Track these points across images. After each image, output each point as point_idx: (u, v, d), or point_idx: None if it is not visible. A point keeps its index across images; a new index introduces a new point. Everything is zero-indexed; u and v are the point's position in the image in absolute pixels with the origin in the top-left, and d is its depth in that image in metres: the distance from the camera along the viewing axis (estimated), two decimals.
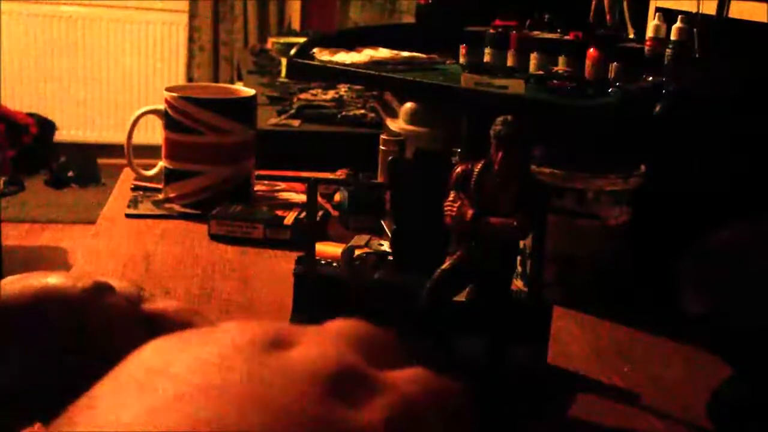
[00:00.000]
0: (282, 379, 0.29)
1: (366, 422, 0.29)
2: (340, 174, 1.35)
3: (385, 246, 0.90)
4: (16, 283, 0.43)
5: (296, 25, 4.63)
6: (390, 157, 1.00)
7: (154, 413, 0.28)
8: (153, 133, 1.41)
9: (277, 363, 0.30)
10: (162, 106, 1.28)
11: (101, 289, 0.44)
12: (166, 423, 0.27)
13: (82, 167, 4.58)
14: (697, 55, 1.13)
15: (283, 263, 1.06)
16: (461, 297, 0.75)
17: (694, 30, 1.13)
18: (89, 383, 0.31)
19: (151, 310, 0.46)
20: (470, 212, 0.71)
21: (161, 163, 1.30)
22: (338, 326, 0.33)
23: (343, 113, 2.27)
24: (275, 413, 0.28)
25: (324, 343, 0.31)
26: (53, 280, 0.43)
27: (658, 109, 1.00)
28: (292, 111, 2.30)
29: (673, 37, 1.14)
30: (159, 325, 0.45)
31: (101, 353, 0.43)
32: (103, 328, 0.43)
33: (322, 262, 0.88)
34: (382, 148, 1.26)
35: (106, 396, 0.29)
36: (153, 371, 0.30)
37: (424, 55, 1.37)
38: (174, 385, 0.29)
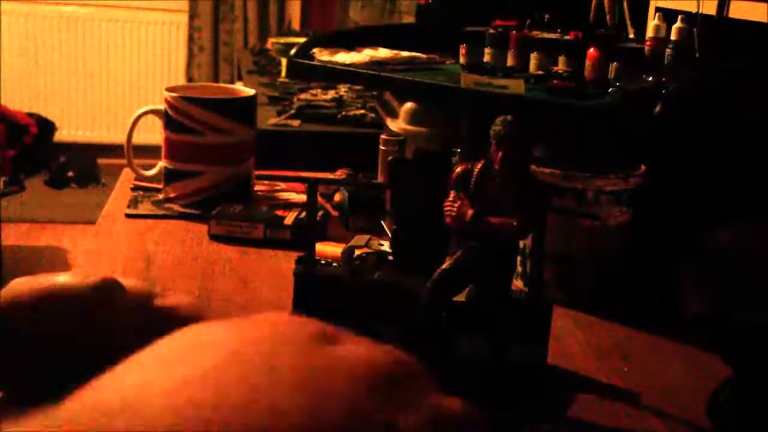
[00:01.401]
0: (330, 367, 0.29)
1: (408, 425, 0.29)
2: (340, 174, 1.35)
3: (385, 246, 0.90)
4: (23, 284, 0.43)
5: (296, 25, 4.63)
6: (390, 157, 1.00)
7: (184, 385, 0.26)
8: (153, 133, 1.41)
9: (325, 353, 0.29)
10: (162, 106, 1.28)
11: (110, 287, 0.44)
12: (218, 383, 0.26)
13: (82, 167, 4.58)
14: (697, 55, 1.13)
15: (283, 263, 1.06)
16: (461, 297, 0.75)
17: (694, 30, 1.13)
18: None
19: (161, 307, 0.46)
20: (470, 212, 0.71)
21: (161, 163, 1.30)
22: (375, 343, 0.33)
23: (343, 113, 2.27)
24: (323, 394, 0.27)
25: (369, 345, 0.31)
26: (61, 279, 0.43)
27: (658, 109, 1.00)
28: (292, 111, 2.30)
29: (673, 37, 1.14)
30: (170, 322, 0.45)
31: (110, 352, 0.43)
32: (111, 326, 0.43)
33: (322, 262, 0.88)
34: (382, 148, 1.26)
35: (127, 372, 0.28)
36: (187, 349, 0.29)
37: (424, 55, 1.37)
38: (211, 360, 0.28)
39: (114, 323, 0.43)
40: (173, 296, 0.46)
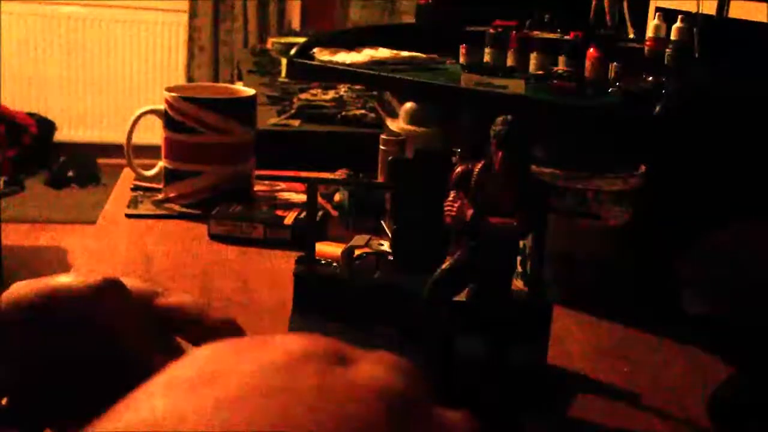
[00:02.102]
0: (349, 391, 0.29)
1: None
2: (340, 174, 1.35)
3: (385, 246, 0.90)
4: (25, 287, 0.43)
5: (296, 25, 4.63)
6: (390, 157, 1.00)
7: (216, 410, 0.27)
8: (153, 133, 1.41)
9: (343, 375, 0.30)
10: (162, 106, 1.28)
11: (110, 286, 0.44)
12: (231, 420, 0.27)
13: (82, 167, 4.58)
14: (697, 55, 1.13)
15: (283, 263, 1.06)
16: (461, 297, 0.75)
17: (694, 30, 1.13)
18: (100, 382, 0.31)
19: (163, 305, 0.46)
20: (470, 212, 0.71)
21: (161, 163, 1.30)
22: (387, 355, 0.33)
23: (343, 113, 2.27)
24: (342, 421, 0.28)
25: (383, 366, 0.32)
26: (62, 279, 0.43)
27: (658, 109, 1.00)
28: (292, 111, 2.30)
29: (673, 37, 1.14)
30: (172, 321, 0.46)
31: (111, 350, 0.43)
32: (112, 326, 0.43)
33: (322, 262, 0.88)
34: (382, 148, 1.26)
35: (155, 395, 0.28)
36: (210, 373, 0.29)
37: (424, 55, 1.37)
38: (237, 384, 0.28)
39: (115, 322, 0.43)
40: (175, 295, 0.46)
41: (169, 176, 1.29)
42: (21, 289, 0.43)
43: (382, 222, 1.15)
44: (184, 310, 0.46)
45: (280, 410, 0.27)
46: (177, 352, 0.48)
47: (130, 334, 0.43)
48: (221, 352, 0.31)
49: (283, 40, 3.45)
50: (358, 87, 2.42)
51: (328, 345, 0.32)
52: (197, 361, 0.30)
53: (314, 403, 0.28)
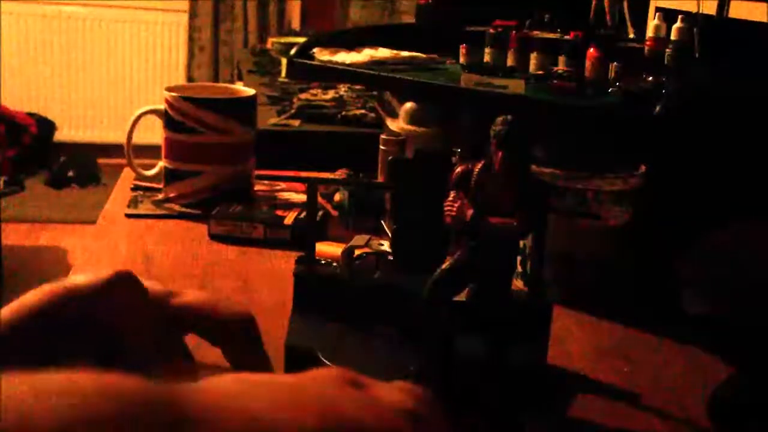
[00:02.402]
0: (360, 399, 0.34)
1: None
2: (340, 174, 1.35)
3: (385, 246, 0.90)
4: (36, 293, 0.43)
5: (296, 25, 4.63)
6: (390, 157, 1.00)
7: (239, 383, 0.33)
8: (153, 133, 1.41)
9: (354, 391, 0.34)
10: (162, 106, 1.28)
11: (121, 280, 0.44)
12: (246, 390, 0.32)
13: (82, 167, 4.58)
14: (697, 55, 1.13)
15: (283, 263, 1.06)
16: (461, 297, 0.74)
17: (694, 30, 1.13)
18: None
19: (177, 305, 0.46)
20: (470, 212, 0.71)
21: (161, 163, 1.30)
22: (401, 383, 0.38)
23: (343, 113, 2.27)
24: (353, 424, 0.32)
25: (395, 390, 0.36)
26: (75, 279, 0.44)
27: (658, 109, 1.00)
28: (292, 111, 2.30)
29: (673, 37, 1.14)
30: (184, 320, 0.46)
31: (113, 347, 0.43)
32: (114, 321, 0.43)
33: (322, 262, 0.88)
34: (382, 148, 1.26)
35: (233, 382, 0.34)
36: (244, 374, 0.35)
37: (424, 55, 1.37)
38: (259, 378, 0.34)
39: (119, 319, 0.43)
40: (189, 294, 0.47)
41: (169, 176, 1.29)
42: (30, 295, 0.43)
43: (382, 222, 1.15)
44: (196, 307, 0.46)
45: (288, 394, 0.32)
46: (182, 355, 0.48)
47: (133, 331, 0.43)
48: (255, 374, 0.36)
49: (283, 40, 3.45)
50: (358, 87, 2.42)
51: (343, 372, 0.36)
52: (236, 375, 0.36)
53: (323, 396, 0.33)
